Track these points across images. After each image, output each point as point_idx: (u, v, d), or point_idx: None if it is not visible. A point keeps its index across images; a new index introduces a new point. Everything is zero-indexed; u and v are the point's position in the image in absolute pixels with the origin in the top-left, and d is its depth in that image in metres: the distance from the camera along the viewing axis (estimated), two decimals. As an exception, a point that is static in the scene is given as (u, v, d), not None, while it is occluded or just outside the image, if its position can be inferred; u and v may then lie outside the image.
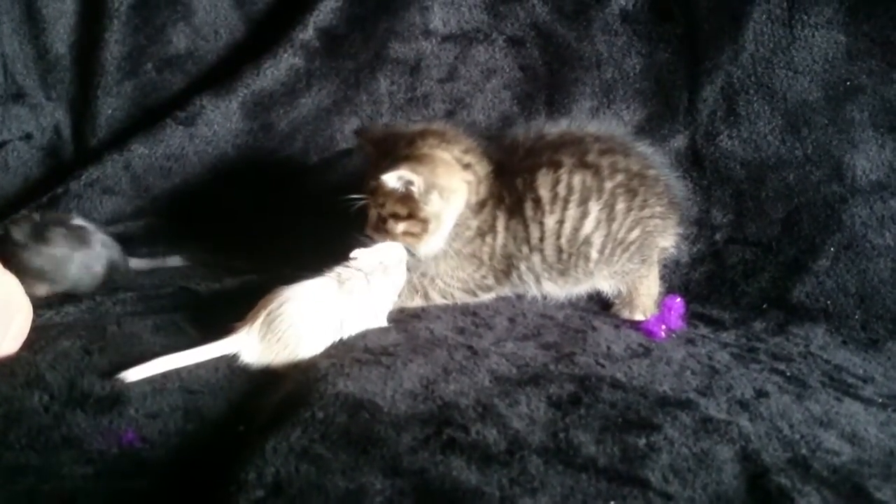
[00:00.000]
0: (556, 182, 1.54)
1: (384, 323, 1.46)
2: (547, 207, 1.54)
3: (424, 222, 1.51)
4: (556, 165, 1.54)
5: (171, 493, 1.01)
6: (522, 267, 1.59)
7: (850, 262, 1.71)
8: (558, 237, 1.56)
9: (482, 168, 1.57)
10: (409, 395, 1.16)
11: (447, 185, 1.51)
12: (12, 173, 2.04)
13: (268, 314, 1.30)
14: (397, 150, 1.52)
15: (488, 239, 1.57)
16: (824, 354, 1.52)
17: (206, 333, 1.37)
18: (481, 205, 1.56)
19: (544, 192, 1.54)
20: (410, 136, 1.55)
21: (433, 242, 1.54)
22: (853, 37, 1.79)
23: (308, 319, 1.31)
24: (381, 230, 1.53)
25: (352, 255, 1.41)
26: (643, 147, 1.64)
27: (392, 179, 1.46)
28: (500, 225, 1.57)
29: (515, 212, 1.56)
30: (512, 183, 1.56)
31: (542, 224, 1.55)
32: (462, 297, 1.63)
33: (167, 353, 1.27)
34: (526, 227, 1.56)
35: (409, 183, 1.47)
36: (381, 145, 1.58)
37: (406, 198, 1.49)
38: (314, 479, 0.95)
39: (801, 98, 1.82)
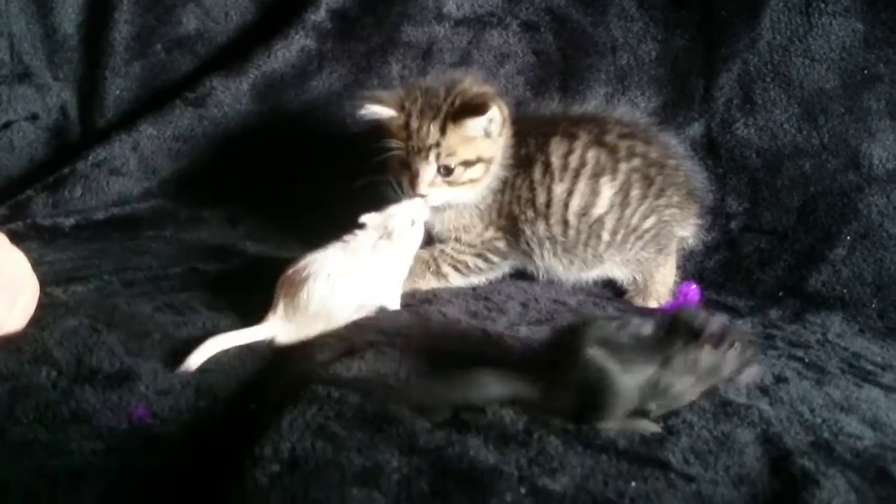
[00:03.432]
0: (569, 152, 1.54)
1: (398, 297, 1.45)
2: (557, 175, 1.54)
3: (488, 162, 1.52)
4: (571, 137, 1.55)
5: (182, 468, 0.99)
6: (528, 231, 1.58)
7: (867, 251, 1.69)
8: (566, 208, 1.55)
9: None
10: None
11: (504, 119, 1.53)
12: (17, 154, 2.02)
13: (285, 295, 1.30)
14: (438, 101, 1.50)
15: (497, 195, 1.58)
16: (842, 342, 1.50)
17: (216, 313, 1.37)
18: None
19: (555, 160, 1.54)
20: (444, 86, 1.53)
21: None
22: (871, 25, 1.78)
23: (328, 287, 1.29)
24: (438, 185, 1.51)
25: (361, 219, 1.39)
26: (667, 137, 1.63)
27: (482, 123, 1.48)
28: (508, 181, 1.57)
29: (522, 171, 1.56)
30: (523, 142, 1.56)
31: (550, 190, 1.55)
32: (475, 265, 1.61)
33: (178, 332, 1.27)
34: (532, 189, 1.56)
35: (491, 121, 1.48)
36: (413, 101, 1.52)
37: (474, 141, 1.49)
38: (330, 455, 0.93)
39: (817, 86, 1.80)
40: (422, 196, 1.50)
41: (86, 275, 1.53)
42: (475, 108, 1.47)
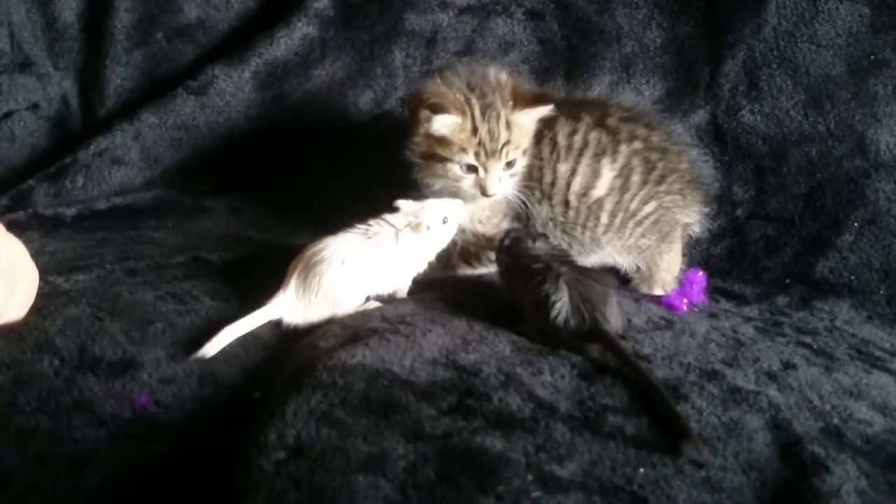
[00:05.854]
0: (573, 132, 1.54)
1: (407, 287, 1.45)
2: (562, 154, 1.55)
3: (527, 148, 1.53)
4: (575, 118, 1.55)
5: (186, 456, 0.99)
6: (534, 213, 1.57)
7: (874, 237, 1.68)
8: (568, 187, 1.55)
9: None
10: (430, 363, 1.13)
11: None
12: (19, 144, 2.01)
13: (298, 274, 1.30)
14: (491, 98, 1.48)
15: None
16: (850, 329, 1.50)
17: (219, 302, 1.36)
18: None
19: (561, 139, 1.55)
20: (483, 81, 1.51)
21: None
22: (877, 10, 1.76)
23: (340, 274, 1.30)
24: (504, 180, 1.51)
25: (396, 203, 1.39)
26: (674, 126, 1.63)
27: (545, 111, 1.50)
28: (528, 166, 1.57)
29: (535, 154, 1.55)
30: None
31: (555, 169, 1.55)
32: (486, 257, 1.60)
33: (181, 320, 1.27)
34: (540, 168, 1.56)
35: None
36: (467, 102, 1.48)
37: (526, 129, 1.51)
38: (335, 442, 0.92)
39: (824, 72, 1.78)
40: (492, 195, 1.50)
41: (88, 264, 1.52)
42: (542, 98, 1.50)
